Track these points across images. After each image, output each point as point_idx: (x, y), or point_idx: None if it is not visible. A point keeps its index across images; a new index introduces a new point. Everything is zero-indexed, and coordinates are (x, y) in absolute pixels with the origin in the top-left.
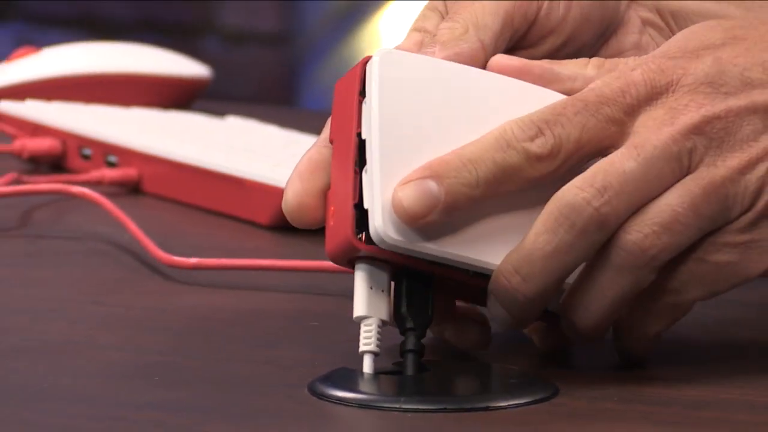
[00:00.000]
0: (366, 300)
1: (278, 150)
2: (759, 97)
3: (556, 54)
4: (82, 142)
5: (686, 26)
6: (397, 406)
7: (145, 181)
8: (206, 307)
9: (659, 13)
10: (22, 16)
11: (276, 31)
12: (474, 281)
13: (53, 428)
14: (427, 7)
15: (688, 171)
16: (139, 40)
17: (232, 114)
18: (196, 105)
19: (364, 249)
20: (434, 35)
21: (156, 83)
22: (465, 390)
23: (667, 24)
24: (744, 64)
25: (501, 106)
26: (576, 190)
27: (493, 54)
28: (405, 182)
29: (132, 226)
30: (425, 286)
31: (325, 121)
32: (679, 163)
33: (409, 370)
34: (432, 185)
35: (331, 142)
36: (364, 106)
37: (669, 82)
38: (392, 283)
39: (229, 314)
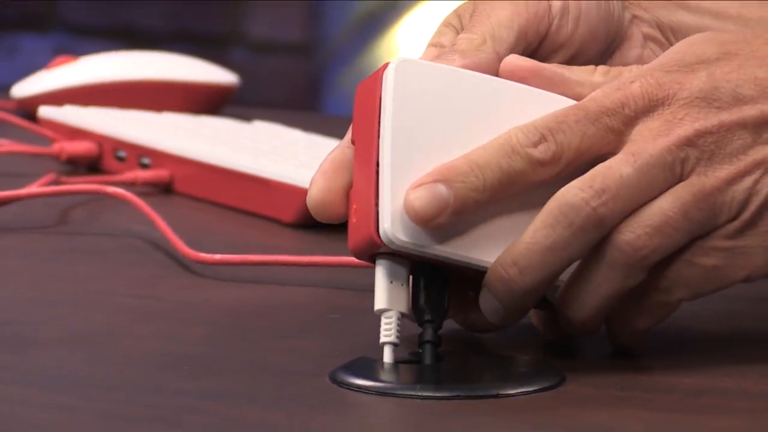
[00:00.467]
0: (387, 293)
1: (302, 152)
2: (749, 112)
3: None
4: (117, 144)
5: None
6: (414, 393)
7: (176, 182)
8: (234, 300)
9: (660, 28)
10: (61, 27)
11: (300, 41)
12: (483, 276)
13: (92, 413)
14: (443, 24)
15: (680, 179)
16: (171, 49)
17: (259, 119)
18: (225, 110)
19: (384, 246)
20: (453, 45)
21: (187, 90)
22: (477, 378)
23: (667, 39)
24: (736, 80)
25: (511, 113)
26: (575, 191)
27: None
28: (416, 186)
29: (162, 225)
30: (442, 280)
31: (346, 126)
32: (672, 172)
33: (427, 360)
34: (442, 189)
35: (353, 143)
36: (382, 114)
37: (666, 96)
38: (411, 277)
39: (255, 307)
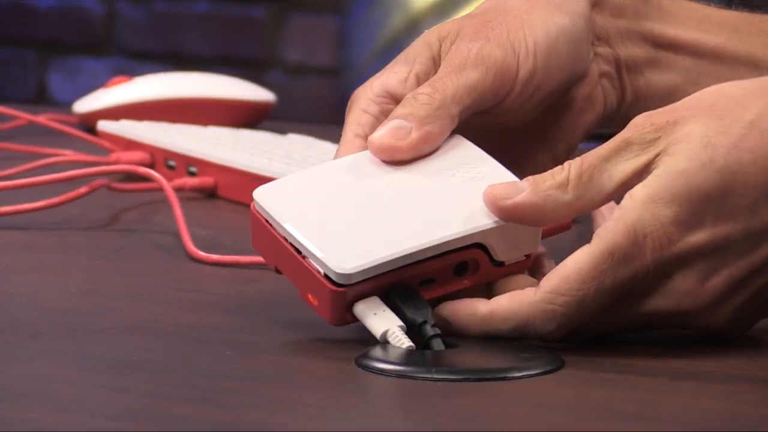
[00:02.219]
0: (378, 321)
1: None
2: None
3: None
4: (168, 155)
5: (636, 78)
6: (429, 376)
7: (219, 188)
8: (270, 293)
9: (615, 63)
10: (118, 51)
11: (329, 64)
12: (434, 265)
13: (142, 393)
14: (421, 39)
15: None
16: (216, 71)
17: (293, 132)
18: (263, 125)
19: (344, 285)
20: (415, 98)
21: (230, 106)
22: (485, 363)
23: (618, 74)
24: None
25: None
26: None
27: (457, 123)
28: None
29: (182, 225)
30: (410, 290)
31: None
32: None
33: (439, 348)
34: None
35: (276, 269)
36: (274, 227)
37: (676, 257)
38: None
39: (288, 299)
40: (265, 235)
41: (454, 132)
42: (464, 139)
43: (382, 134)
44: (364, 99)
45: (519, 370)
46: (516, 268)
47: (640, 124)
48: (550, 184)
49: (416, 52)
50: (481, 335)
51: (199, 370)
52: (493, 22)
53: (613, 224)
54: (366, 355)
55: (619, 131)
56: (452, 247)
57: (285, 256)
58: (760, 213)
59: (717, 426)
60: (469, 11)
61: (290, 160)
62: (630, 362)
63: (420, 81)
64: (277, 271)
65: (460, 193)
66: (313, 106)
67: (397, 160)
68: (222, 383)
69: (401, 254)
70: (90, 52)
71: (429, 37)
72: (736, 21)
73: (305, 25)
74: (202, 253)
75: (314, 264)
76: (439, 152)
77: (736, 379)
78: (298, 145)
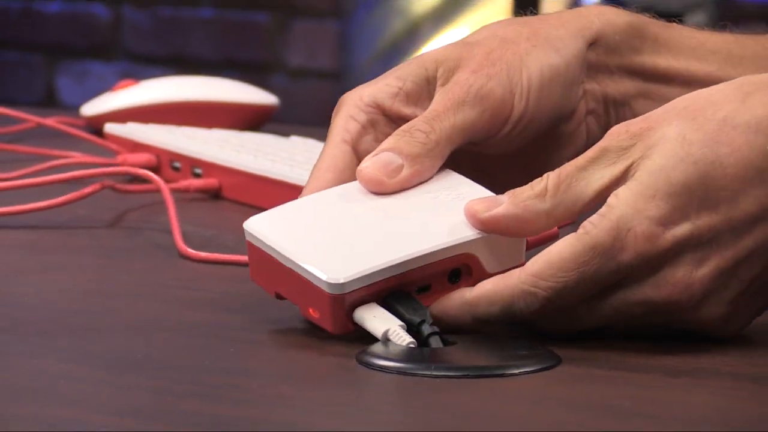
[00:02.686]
0: (378, 323)
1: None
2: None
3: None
4: (173, 156)
5: (623, 111)
6: (429, 372)
7: (224, 189)
8: None
9: (604, 101)
10: (125, 55)
11: (331, 68)
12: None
13: (146, 389)
14: (417, 60)
15: None
16: (220, 74)
17: (295, 134)
18: (266, 127)
19: (340, 293)
20: (411, 134)
21: (234, 109)
22: (483, 360)
23: (606, 111)
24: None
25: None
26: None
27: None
28: None
29: (174, 223)
30: (407, 295)
31: None
32: None
33: (437, 346)
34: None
35: (276, 295)
36: (268, 252)
37: (660, 255)
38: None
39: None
40: (261, 263)
41: None
42: (447, 169)
43: (371, 168)
44: (353, 106)
45: (516, 367)
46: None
47: (615, 132)
48: (528, 195)
49: (410, 70)
50: (474, 324)
51: (202, 366)
52: (493, 55)
53: (597, 219)
54: (366, 352)
55: None
56: (440, 257)
57: (282, 277)
58: (741, 203)
59: (710, 422)
60: (466, 37)
61: (293, 162)
62: (625, 359)
63: (410, 99)
64: (278, 297)
65: (446, 210)
66: (315, 108)
67: (384, 192)
68: (225, 379)
69: (392, 263)
70: (97, 56)
71: (425, 58)
72: (730, 46)
73: (307, 29)
74: (191, 251)
75: (310, 278)
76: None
77: (729, 375)
78: (300, 147)
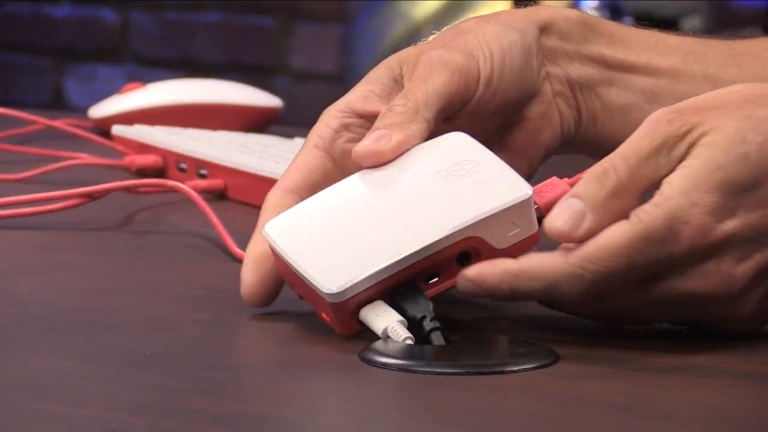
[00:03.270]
0: (378, 320)
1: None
2: None
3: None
4: (179, 158)
5: (590, 98)
6: (430, 369)
7: (229, 190)
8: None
9: (569, 83)
10: (132, 58)
11: (334, 71)
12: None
13: (154, 386)
14: (383, 66)
15: None
16: (225, 77)
17: (299, 136)
18: (270, 129)
19: (339, 300)
20: (391, 110)
21: (239, 111)
22: (484, 357)
23: (573, 94)
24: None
25: (378, 200)
26: None
27: (434, 126)
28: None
29: (218, 226)
30: (412, 287)
31: None
32: None
33: (438, 343)
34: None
35: (299, 295)
36: (283, 257)
37: (712, 245)
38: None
39: (293, 296)
40: (282, 265)
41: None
42: (466, 136)
43: (366, 143)
44: (327, 115)
45: (516, 364)
46: (522, 247)
47: (670, 119)
48: (604, 195)
49: (377, 74)
50: (510, 296)
51: (209, 363)
52: (450, 38)
53: (651, 208)
54: (369, 349)
55: (578, 153)
56: (443, 246)
57: (298, 281)
58: None
59: (706, 418)
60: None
61: None
62: (622, 357)
63: (381, 99)
64: (300, 296)
65: (450, 193)
66: (318, 111)
67: (381, 162)
68: (231, 376)
69: (391, 261)
70: (104, 59)
71: (390, 61)
72: (691, 44)
73: (311, 33)
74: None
75: (312, 286)
76: (438, 152)
77: (725, 373)
78: None
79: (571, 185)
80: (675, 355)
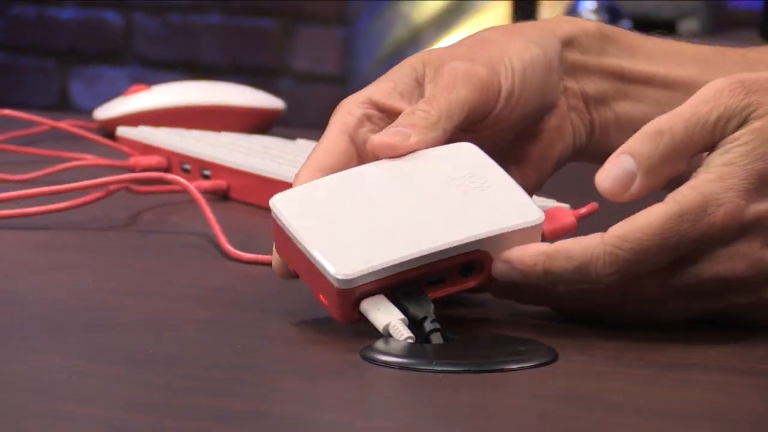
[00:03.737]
0: (380, 315)
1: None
2: None
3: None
4: (183, 159)
5: (604, 111)
6: (431, 368)
7: (232, 190)
8: (279, 290)
9: (584, 98)
10: (136, 61)
11: (336, 73)
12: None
13: (156, 385)
14: (406, 62)
15: None
16: (229, 79)
17: (301, 137)
18: (273, 130)
19: (347, 288)
20: (413, 112)
21: (242, 113)
22: (483, 356)
23: (588, 109)
24: None
25: (385, 187)
26: None
27: (450, 136)
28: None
29: (214, 225)
30: (415, 288)
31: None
32: None
33: (437, 342)
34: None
35: (294, 272)
36: (289, 232)
37: (743, 228)
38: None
39: (297, 294)
40: (284, 240)
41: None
42: (475, 147)
43: (383, 134)
44: (349, 104)
45: (516, 362)
46: None
47: (727, 88)
48: (658, 158)
49: (401, 72)
50: (544, 277)
51: (211, 362)
52: (474, 49)
53: (687, 191)
54: (370, 348)
55: (587, 162)
56: (451, 254)
57: (300, 259)
58: None
59: (700, 415)
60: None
61: (299, 164)
62: (619, 355)
63: (403, 97)
64: (296, 274)
65: (463, 202)
66: (320, 112)
67: (395, 155)
68: (233, 375)
69: (401, 260)
70: (109, 61)
71: (413, 61)
72: (708, 54)
73: (313, 35)
74: (215, 252)
75: (320, 268)
76: (449, 160)
77: (721, 371)
78: (306, 149)
79: (576, 217)
80: (672, 354)
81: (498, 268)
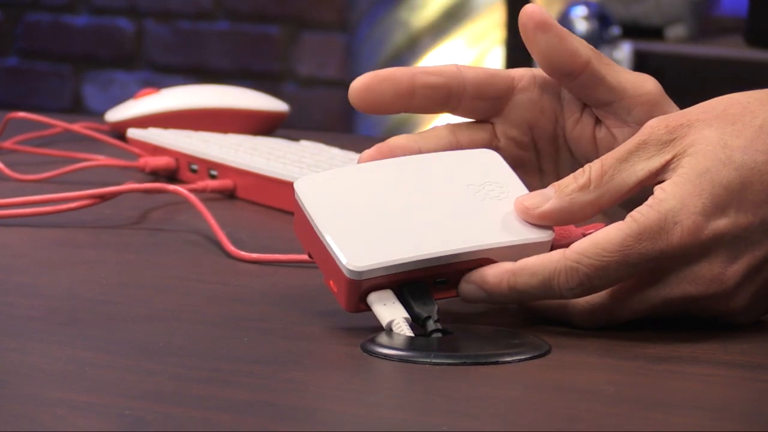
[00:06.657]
0: (385, 311)
1: (339, 166)
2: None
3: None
4: (191, 159)
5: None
6: (429, 360)
7: (238, 190)
8: (284, 286)
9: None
10: (147, 66)
11: (338, 77)
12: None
13: (167, 375)
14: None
15: None
16: (235, 83)
17: (305, 139)
18: (278, 132)
19: (357, 279)
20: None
21: (248, 116)
22: (479, 349)
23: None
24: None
25: (408, 181)
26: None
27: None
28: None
29: (215, 226)
30: (421, 287)
31: (374, 143)
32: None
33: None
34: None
35: (309, 254)
36: (308, 216)
37: (703, 245)
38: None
39: (299, 291)
40: (302, 222)
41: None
42: (497, 155)
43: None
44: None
45: (510, 355)
46: None
47: (654, 126)
48: (573, 188)
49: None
50: (509, 294)
51: (218, 354)
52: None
53: (646, 210)
54: (371, 341)
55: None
56: (461, 260)
57: (315, 242)
58: None
59: (688, 404)
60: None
61: (302, 165)
62: (610, 348)
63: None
64: (309, 256)
65: (481, 208)
66: (323, 115)
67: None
68: (239, 366)
69: (411, 260)
70: (121, 66)
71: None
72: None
73: (316, 41)
74: (244, 253)
75: (333, 256)
76: (471, 166)
77: (706, 362)
78: (309, 150)
79: (584, 235)
80: (661, 347)
81: (464, 288)
